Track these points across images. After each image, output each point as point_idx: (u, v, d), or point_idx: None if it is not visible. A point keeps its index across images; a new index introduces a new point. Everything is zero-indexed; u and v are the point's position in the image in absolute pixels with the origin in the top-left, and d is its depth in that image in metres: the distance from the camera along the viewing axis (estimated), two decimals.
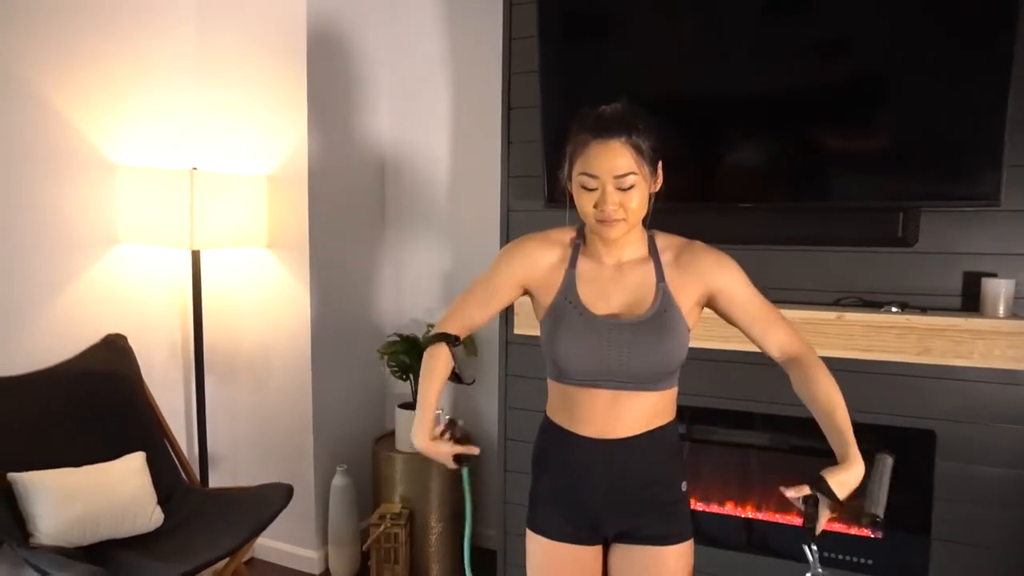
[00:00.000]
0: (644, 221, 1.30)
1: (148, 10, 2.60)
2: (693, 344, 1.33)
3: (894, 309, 1.90)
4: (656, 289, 1.29)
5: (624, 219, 1.23)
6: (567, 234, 1.37)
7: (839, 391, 1.25)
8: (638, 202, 1.23)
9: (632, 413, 1.29)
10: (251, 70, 2.70)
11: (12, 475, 1.98)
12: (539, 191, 2.25)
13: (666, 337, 1.26)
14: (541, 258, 1.35)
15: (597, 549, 1.37)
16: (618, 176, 1.20)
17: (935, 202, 1.87)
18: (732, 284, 1.30)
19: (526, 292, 1.38)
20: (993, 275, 1.86)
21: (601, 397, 1.29)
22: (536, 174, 2.27)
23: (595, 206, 1.23)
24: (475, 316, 1.40)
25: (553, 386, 1.37)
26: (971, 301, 1.90)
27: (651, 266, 1.31)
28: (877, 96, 1.88)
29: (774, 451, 2.18)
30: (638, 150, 1.20)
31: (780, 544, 2.15)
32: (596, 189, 1.22)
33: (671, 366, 1.29)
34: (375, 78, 2.99)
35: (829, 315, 1.92)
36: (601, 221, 1.23)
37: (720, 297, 1.30)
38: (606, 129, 1.21)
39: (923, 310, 1.91)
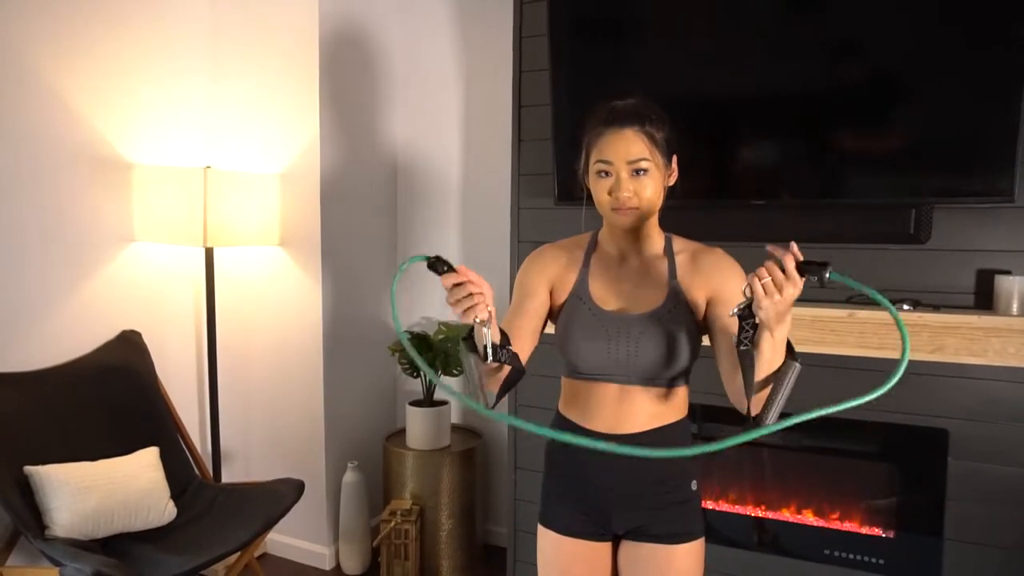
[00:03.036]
0: (659, 215, 1.32)
1: (162, 10, 2.63)
2: (705, 341, 1.33)
3: (906, 307, 1.88)
4: (668, 286, 1.30)
5: (637, 207, 1.25)
6: (582, 238, 1.40)
7: None
8: (652, 191, 1.25)
9: (640, 408, 1.29)
10: (264, 69, 2.73)
11: (28, 468, 2.01)
12: (549, 189, 2.25)
13: (674, 333, 1.27)
14: (556, 259, 1.38)
15: (607, 545, 1.37)
16: (631, 162, 1.23)
17: (948, 199, 1.86)
18: (734, 294, 1.28)
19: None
20: (1007, 272, 1.85)
21: (610, 391, 1.30)
22: (547, 172, 2.28)
23: (609, 193, 1.25)
24: (513, 334, 1.30)
25: (565, 382, 1.39)
26: (984, 299, 1.88)
27: (665, 263, 1.32)
28: (890, 93, 1.87)
29: (786, 450, 2.17)
30: (651, 138, 1.23)
31: (792, 544, 2.14)
32: (611, 176, 1.25)
33: (678, 363, 1.29)
34: (387, 76, 3.01)
35: (840, 313, 1.91)
36: (615, 209, 1.26)
37: (717, 301, 1.28)
38: (620, 119, 1.24)
39: (936, 308, 1.89)
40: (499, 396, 1.21)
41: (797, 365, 1.08)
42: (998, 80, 1.73)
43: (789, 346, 1.11)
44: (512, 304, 1.38)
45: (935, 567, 1.95)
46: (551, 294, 1.38)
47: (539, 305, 1.35)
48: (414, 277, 3.11)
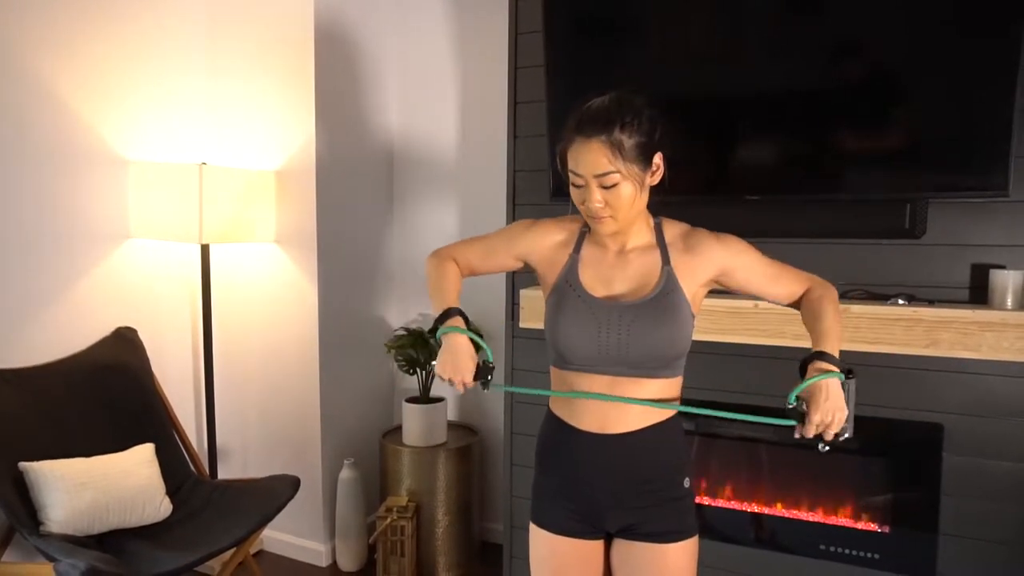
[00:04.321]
0: (652, 208, 1.32)
1: (158, 7, 2.63)
2: (703, 338, 1.33)
3: (901, 301, 1.89)
4: (661, 272, 1.29)
5: (612, 216, 1.24)
6: (577, 221, 1.39)
7: (835, 308, 1.28)
8: (626, 199, 1.22)
9: (631, 405, 1.28)
10: (260, 66, 2.73)
11: (23, 464, 2.01)
12: (545, 185, 2.25)
13: (667, 320, 1.26)
14: (549, 235, 1.38)
15: (600, 544, 1.37)
16: (598, 175, 1.21)
17: (943, 193, 1.86)
18: (740, 257, 1.31)
19: (527, 267, 1.41)
20: (1001, 267, 1.85)
21: (599, 384, 1.29)
22: (542, 168, 2.28)
23: (582, 202, 1.25)
24: (474, 260, 1.44)
25: (555, 375, 1.38)
26: (979, 293, 1.88)
27: (656, 251, 1.31)
28: (885, 90, 1.87)
29: (783, 446, 2.17)
30: (618, 148, 1.19)
31: (788, 539, 2.14)
32: (582, 186, 1.24)
33: (671, 351, 1.28)
34: (383, 73, 3.01)
35: None
36: (591, 217, 1.26)
37: (732, 272, 1.31)
38: (588, 127, 1.21)
39: (931, 302, 1.89)
40: None
41: (852, 382, 1.19)
42: (992, 76, 1.73)
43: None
44: (487, 237, 1.45)
45: (930, 562, 1.95)
46: (538, 272, 1.40)
47: (498, 260, 1.43)
48: (412, 273, 3.11)
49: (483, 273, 1.46)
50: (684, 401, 1.37)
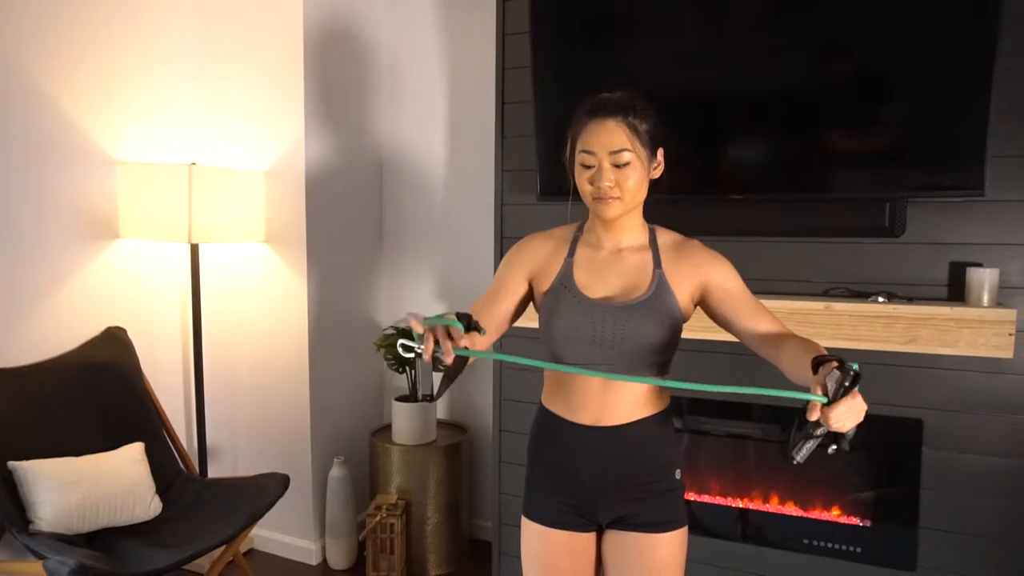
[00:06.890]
0: (643, 209, 1.34)
1: (148, 8, 2.63)
2: (693, 336, 1.35)
3: (881, 299, 1.92)
4: (653, 274, 1.32)
5: (619, 198, 1.27)
6: (568, 229, 1.42)
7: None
8: (634, 182, 1.26)
9: (624, 399, 1.31)
10: (250, 67, 2.73)
11: (13, 463, 2.01)
12: (532, 185, 2.27)
13: (659, 320, 1.29)
14: (541, 248, 1.40)
15: (591, 536, 1.39)
16: (613, 152, 1.24)
17: (922, 193, 1.89)
18: (726, 278, 1.32)
19: (532, 289, 1.41)
20: (978, 265, 1.89)
21: (593, 382, 1.31)
22: (530, 168, 2.30)
23: (591, 183, 1.27)
24: (482, 313, 1.33)
25: (548, 373, 1.40)
26: (957, 291, 1.92)
27: (649, 254, 1.34)
28: (867, 92, 1.90)
29: (771, 442, 2.20)
30: (634, 130, 1.25)
31: (773, 534, 2.17)
32: (593, 166, 1.27)
33: (662, 351, 1.31)
34: (372, 74, 3.02)
35: (817, 305, 1.94)
36: (597, 199, 1.27)
37: (714, 289, 1.31)
38: (603, 109, 1.26)
39: (910, 300, 1.93)
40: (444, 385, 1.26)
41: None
42: (968, 77, 1.77)
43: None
44: (488, 289, 1.40)
45: (911, 554, 1.99)
46: (533, 283, 1.39)
47: (511, 295, 1.38)
48: (401, 272, 3.13)
49: (497, 322, 1.35)
50: (673, 398, 1.39)
